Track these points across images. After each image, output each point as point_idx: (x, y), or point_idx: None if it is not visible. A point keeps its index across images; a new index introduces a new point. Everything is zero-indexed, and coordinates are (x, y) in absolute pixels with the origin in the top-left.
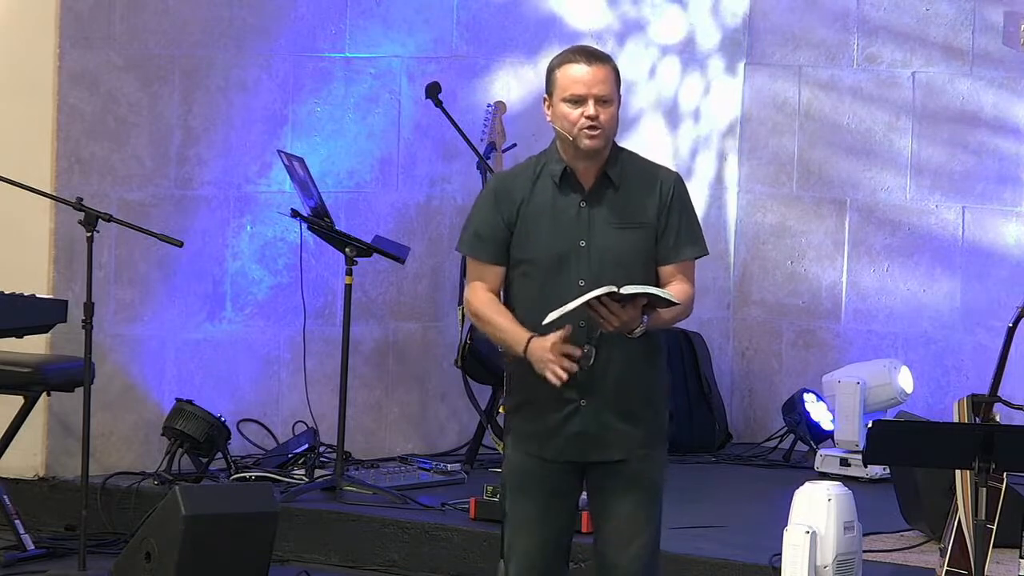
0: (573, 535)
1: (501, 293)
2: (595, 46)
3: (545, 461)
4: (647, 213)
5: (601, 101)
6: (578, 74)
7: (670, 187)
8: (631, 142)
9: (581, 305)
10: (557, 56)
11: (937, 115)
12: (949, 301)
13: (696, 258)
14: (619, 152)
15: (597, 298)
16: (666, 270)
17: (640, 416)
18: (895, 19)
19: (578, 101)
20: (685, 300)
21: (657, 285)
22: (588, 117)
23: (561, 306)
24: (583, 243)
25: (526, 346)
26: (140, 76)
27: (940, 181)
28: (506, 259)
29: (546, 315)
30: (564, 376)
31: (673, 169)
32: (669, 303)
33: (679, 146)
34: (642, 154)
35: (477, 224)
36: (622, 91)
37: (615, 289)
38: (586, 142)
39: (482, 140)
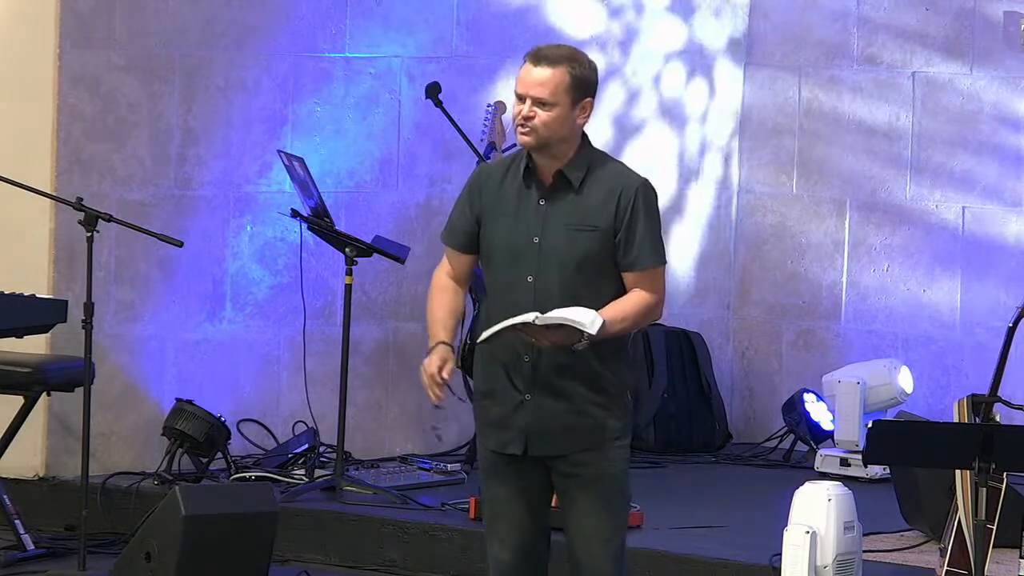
0: (549, 516)
1: (467, 281)
2: (564, 45)
3: (498, 453)
4: (602, 217)
5: (538, 102)
6: (522, 73)
7: (631, 194)
8: (636, 145)
9: (507, 328)
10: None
11: (937, 115)
12: (949, 301)
13: (659, 266)
14: (587, 153)
15: (520, 328)
16: (627, 277)
17: (588, 413)
18: (895, 19)
19: (520, 98)
20: (639, 310)
21: (609, 289)
22: (521, 116)
23: (501, 313)
24: (536, 239)
25: (430, 349)
26: (140, 76)
27: (940, 181)
28: (474, 249)
29: (498, 307)
30: (434, 400)
31: (642, 175)
32: (586, 334)
33: (686, 147)
34: (647, 157)
35: (453, 213)
36: (626, 93)
37: (532, 319)
38: (519, 138)
39: (482, 140)
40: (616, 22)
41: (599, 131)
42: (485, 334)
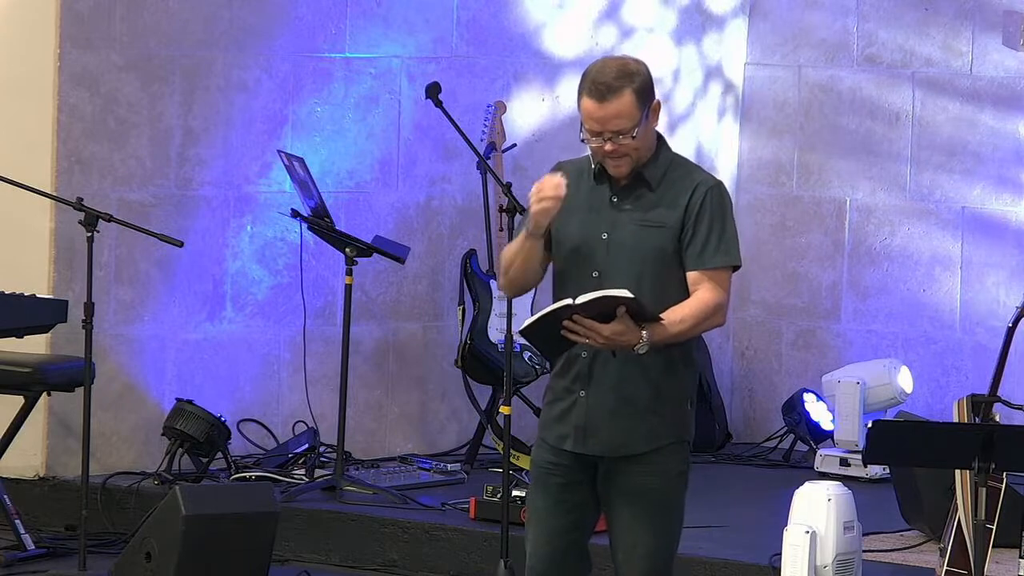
0: (590, 532)
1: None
2: (610, 61)
3: (553, 448)
4: (671, 216)
5: (618, 134)
6: (590, 110)
7: (702, 194)
8: None
9: (550, 318)
10: (583, 74)
11: (937, 115)
12: (949, 301)
13: (724, 267)
14: (665, 154)
15: (569, 317)
16: (691, 276)
17: (639, 417)
18: (895, 19)
19: (596, 135)
20: (697, 312)
21: (675, 290)
22: (605, 152)
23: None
24: (604, 236)
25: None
26: (140, 76)
27: (940, 181)
28: (548, 247)
29: (564, 298)
30: (547, 196)
31: (716, 177)
32: (639, 306)
33: (686, 148)
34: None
35: (527, 212)
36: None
37: (570, 302)
38: (611, 171)
39: (482, 140)
40: (615, 26)
41: None
42: (527, 322)
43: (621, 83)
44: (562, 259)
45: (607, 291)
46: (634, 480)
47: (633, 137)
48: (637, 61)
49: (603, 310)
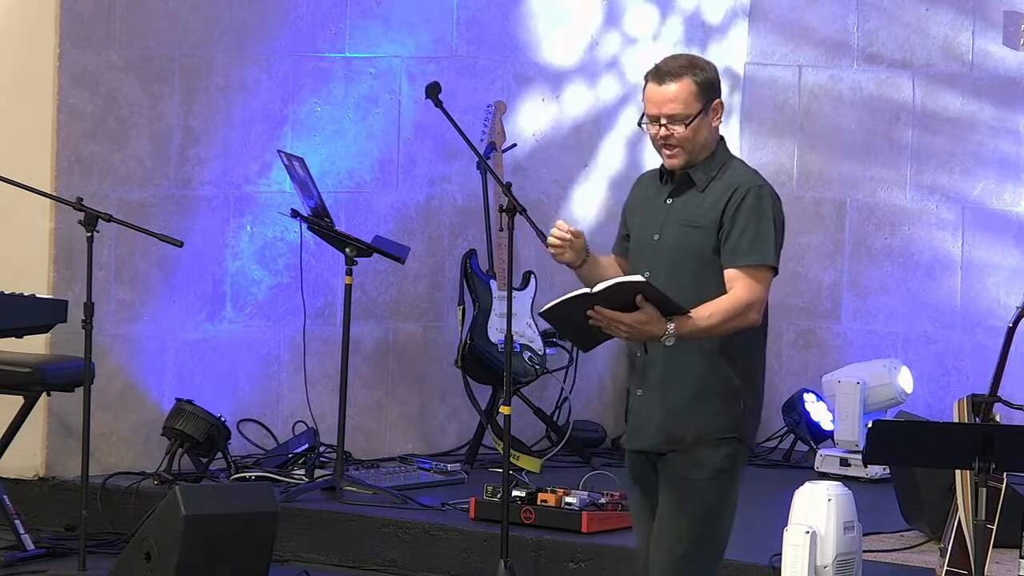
0: None
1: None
2: (680, 55)
3: (627, 449)
4: (709, 216)
5: (673, 119)
6: (648, 93)
7: (743, 194)
8: (638, 146)
9: (570, 306)
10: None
11: (937, 115)
12: (949, 301)
13: (757, 266)
14: (721, 156)
15: (591, 307)
16: (727, 275)
17: (685, 412)
18: (895, 19)
19: (653, 120)
20: (727, 309)
21: (715, 288)
22: (660, 137)
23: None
24: (656, 237)
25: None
26: (140, 76)
27: (940, 181)
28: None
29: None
30: (550, 243)
31: (763, 179)
32: (658, 292)
33: None
34: (654, 158)
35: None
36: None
37: (588, 291)
38: (665, 161)
39: (482, 140)
40: (614, 30)
41: (611, 137)
42: (546, 306)
43: (683, 71)
44: (629, 259)
45: (620, 278)
46: (676, 473)
47: (687, 126)
48: (706, 60)
49: (624, 300)
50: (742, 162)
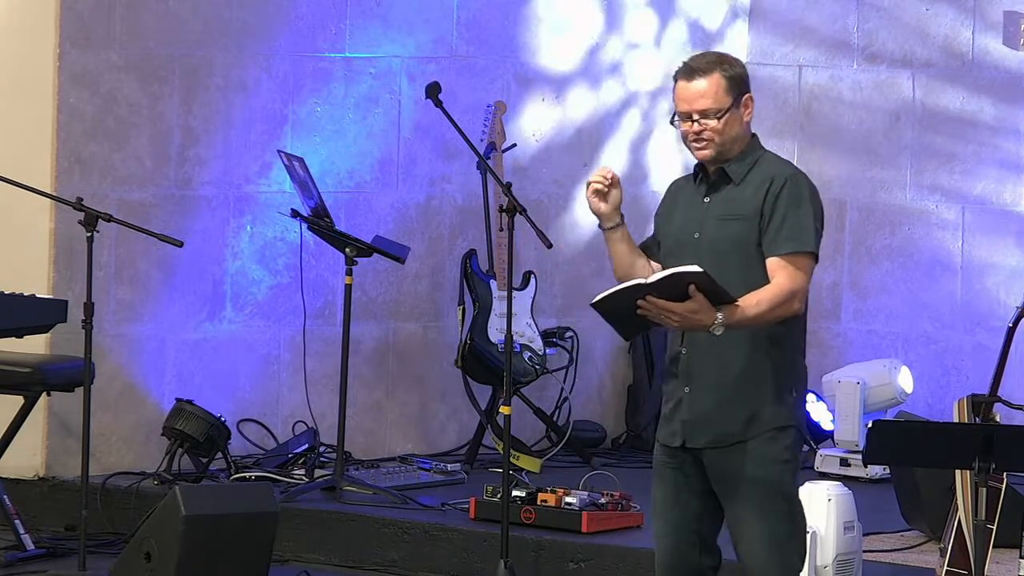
0: (713, 526)
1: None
2: (708, 52)
3: (665, 447)
4: (748, 207)
5: (704, 114)
6: (678, 90)
7: (780, 183)
8: (639, 146)
9: (621, 296)
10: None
11: (937, 115)
12: (949, 301)
13: (798, 253)
14: (754, 152)
15: (643, 297)
16: (768, 264)
17: (738, 404)
18: (895, 19)
19: (685, 117)
20: (772, 296)
21: (759, 279)
22: (693, 133)
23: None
24: (696, 235)
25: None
26: (140, 76)
27: (940, 181)
28: (658, 244)
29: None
30: (591, 180)
31: (797, 167)
32: (711, 282)
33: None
34: (656, 161)
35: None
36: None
37: (641, 282)
38: (696, 154)
39: (482, 140)
40: (615, 34)
41: (614, 140)
42: (597, 297)
43: (712, 67)
44: (663, 259)
45: (677, 268)
46: (737, 471)
47: (718, 119)
48: (735, 56)
49: (676, 290)
50: (776, 155)
